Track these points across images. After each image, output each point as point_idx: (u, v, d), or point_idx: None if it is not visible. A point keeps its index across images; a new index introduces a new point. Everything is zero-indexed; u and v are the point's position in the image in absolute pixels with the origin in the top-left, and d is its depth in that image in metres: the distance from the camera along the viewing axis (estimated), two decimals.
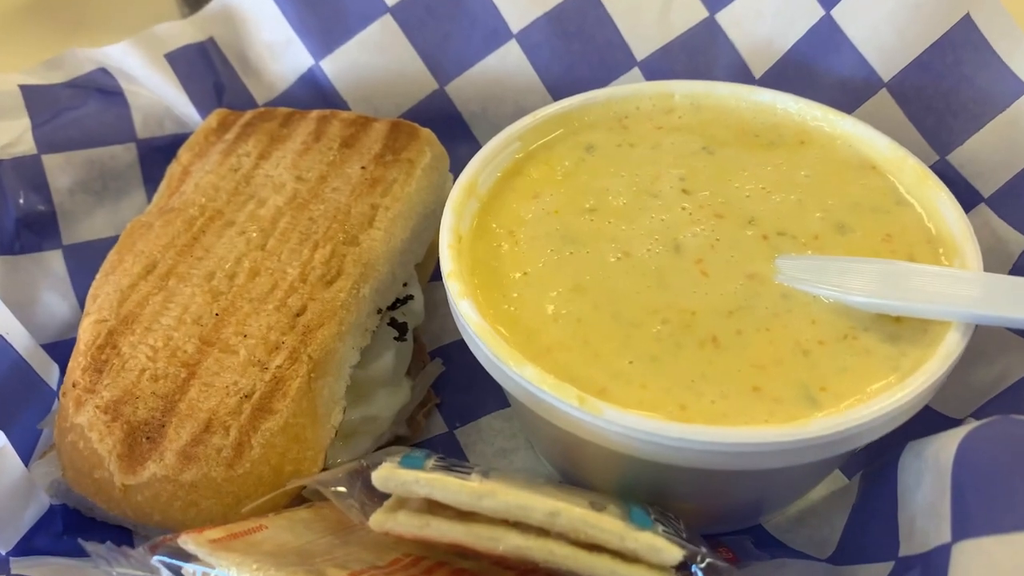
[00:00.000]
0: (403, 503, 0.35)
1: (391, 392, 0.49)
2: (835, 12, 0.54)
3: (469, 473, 0.35)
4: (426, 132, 0.54)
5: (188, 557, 0.37)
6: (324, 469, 0.43)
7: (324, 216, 0.48)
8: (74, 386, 0.44)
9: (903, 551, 0.36)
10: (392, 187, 0.50)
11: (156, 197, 0.54)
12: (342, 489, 0.37)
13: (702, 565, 0.33)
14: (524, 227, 0.46)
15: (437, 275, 0.58)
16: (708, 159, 0.48)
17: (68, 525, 0.46)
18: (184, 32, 0.61)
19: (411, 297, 0.51)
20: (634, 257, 0.43)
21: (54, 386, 0.50)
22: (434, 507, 0.34)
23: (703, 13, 0.58)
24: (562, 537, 0.33)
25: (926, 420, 0.41)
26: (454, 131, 0.60)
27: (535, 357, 0.39)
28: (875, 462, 0.44)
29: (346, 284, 0.45)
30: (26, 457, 0.46)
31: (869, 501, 0.42)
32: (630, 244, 0.44)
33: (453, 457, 0.40)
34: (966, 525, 0.32)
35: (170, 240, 0.48)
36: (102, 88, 0.59)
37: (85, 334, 0.45)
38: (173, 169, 0.55)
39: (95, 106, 0.58)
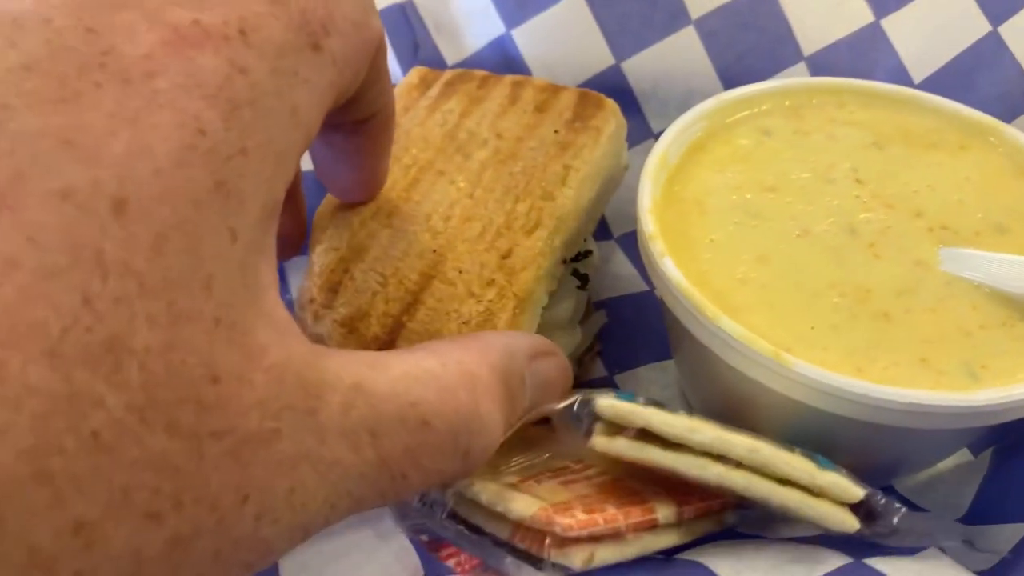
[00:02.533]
0: (617, 430, 0.40)
1: (567, 335, 0.55)
2: (1002, 29, 0.58)
3: (676, 411, 0.40)
4: (611, 103, 0.58)
5: None
6: None
7: (523, 172, 0.53)
8: (311, 302, 0.50)
9: None
10: (582, 151, 0.54)
11: None
12: (570, 418, 0.42)
13: (881, 502, 0.39)
14: (710, 198, 0.51)
15: (599, 235, 0.64)
16: (878, 154, 0.53)
17: None
18: None
19: (591, 252, 0.57)
20: (813, 235, 0.49)
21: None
22: (643, 436, 0.40)
23: (869, 17, 0.63)
24: (755, 471, 0.39)
25: None
26: (624, 105, 0.65)
27: (727, 314, 0.44)
28: (1007, 439, 0.49)
29: (543, 234, 0.50)
30: None
31: (1003, 471, 0.47)
32: (809, 223, 0.49)
33: None
34: None
35: (391, 184, 0.54)
36: None
37: (318, 261, 0.52)
38: None
39: None
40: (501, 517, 0.37)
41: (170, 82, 0.26)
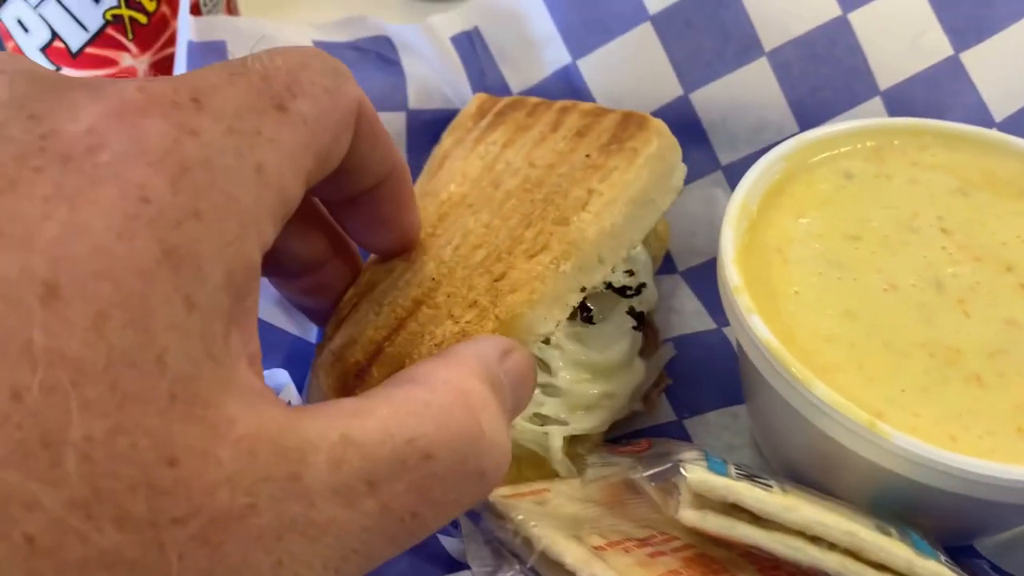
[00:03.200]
0: (705, 501, 0.39)
1: (627, 372, 0.54)
2: None
3: (770, 487, 0.39)
4: (656, 122, 0.55)
5: (485, 505, 0.43)
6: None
7: (545, 199, 0.51)
8: (327, 339, 0.50)
9: None
10: (611, 174, 0.52)
11: (420, 177, 0.59)
12: (659, 484, 0.41)
13: None
14: (792, 246, 0.50)
15: (663, 269, 0.63)
16: (963, 200, 0.52)
17: None
18: (454, 21, 0.66)
19: (644, 285, 0.55)
20: (900, 290, 0.47)
21: (312, 338, 0.56)
22: (732, 509, 0.39)
23: (948, 51, 0.61)
24: (851, 554, 0.38)
25: None
26: (692, 137, 0.64)
27: (816, 375, 0.43)
28: None
29: (546, 258, 0.48)
30: None
31: None
32: (895, 276, 0.48)
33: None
34: None
35: (423, 221, 0.53)
36: (382, 55, 0.64)
37: (344, 297, 0.51)
38: (436, 152, 0.60)
39: (373, 71, 0.63)
40: None
41: (113, 153, 0.26)
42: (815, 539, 0.37)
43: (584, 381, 0.52)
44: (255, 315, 0.29)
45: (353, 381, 0.47)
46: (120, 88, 0.28)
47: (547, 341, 0.50)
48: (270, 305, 0.55)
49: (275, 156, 0.30)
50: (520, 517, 0.40)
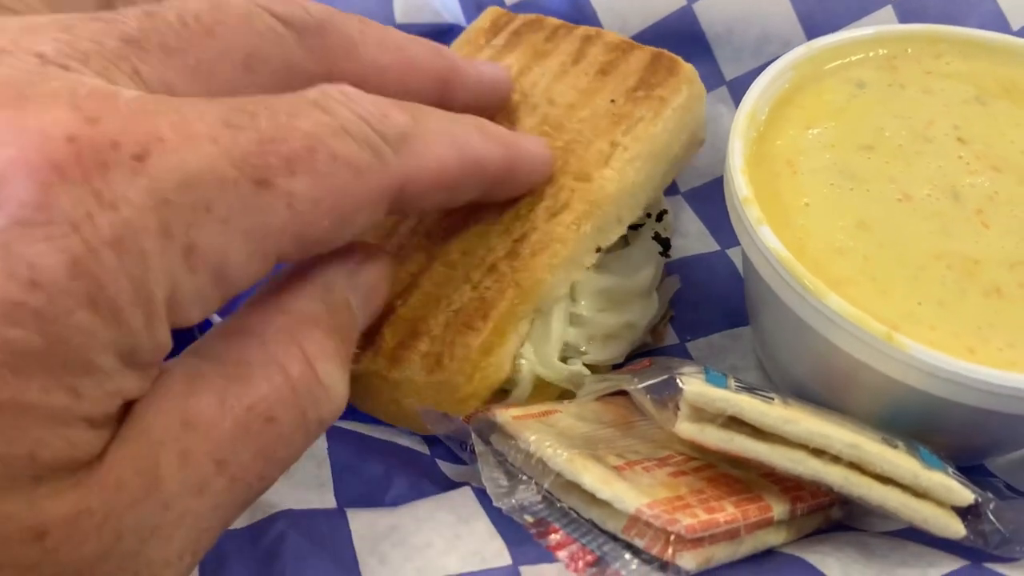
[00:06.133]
0: (705, 415, 0.37)
1: (646, 304, 0.52)
2: None
3: (772, 399, 0.38)
4: (688, 68, 0.51)
5: (494, 428, 0.41)
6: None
7: (565, 148, 0.48)
8: None
9: None
10: (636, 125, 0.48)
11: None
12: (655, 396, 0.40)
13: (991, 508, 0.36)
14: (802, 157, 0.47)
15: (665, 191, 0.61)
16: (980, 109, 0.49)
17: None
18: None
19: (665, 212, 0.53)
20: (915, 200, 0.45)
21: None
22: (732, 423, 0.37)
23: None
24: (855, 467, 0.36)
25: None
26: (696, 50, 0.61)
27: (828, 287, 0.41)
28: None
29: (567, 218, 0.45)
30: None
31: None
32: (909, 186, 0.46)
33: None
34: None
35: None
36: None
37: None
38: None
39: None
40: (603, 504, 0.35)
41: (7, 218, 0.22)
42: (818, 452, 0.36)
43: (606, 311, 0.50)
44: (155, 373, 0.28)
45: (363, 342, 0.45)
46: (50, 125, 0.24)
47: None
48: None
49: (221, 238, 0.26)
50: (534, 437, 0.38)
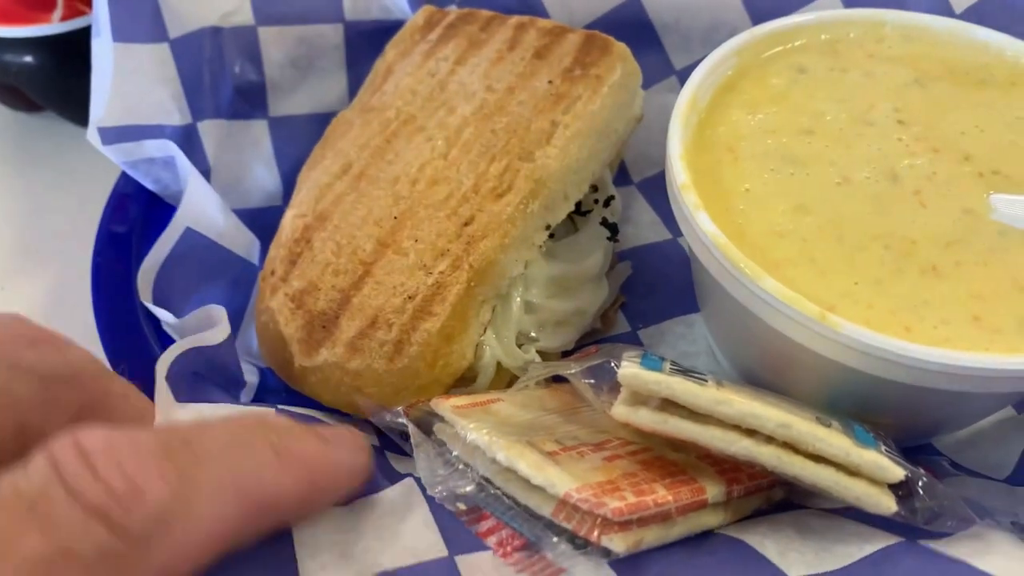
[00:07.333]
0: (640, 399, 0.38)
1: (595, 288, 0.52)
2: None
3: (705, 380, 0.38)
4: (620, 47, 0.53)
5: (436, 418, 0.41)
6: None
7: (505, 130, 0.49)
8: (272, 274, 0.48)
9: None
10: (575, 104, 0.50)
11: (360, 92, 0.56)
12: (590, 381, 0.40)
13: (922, 483, 0.36)
14: (743, 143, 0.48)
15: (618, 181, 0.61)
16: (921, 92, 0.50)
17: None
18: None
19: (613, 198, 0.54)
20: (854, 182, 0.45)
21: (255, 260, 0.54)
22: (668, 405, 0.37)
23: None
24: (788, 446, 0.37)
25: None
26: (644, 40, 0.61)
27: (766, 271, 0.41)
28: None
29: (515, 199, 0.46)
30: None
31: None
32: (849, 169, 0.46)
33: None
34: None
35: (366, 141, 0.51)
36: None
37: (286, 227, 0.49)
38: (378, 66, 0.57)
39: None
40: (540, 490, 0.35)
41: None
42: (752, 433, 0.36)
43: (556, 297, 0.50)
44: None
45: (320, 332, 0.45)
46: None
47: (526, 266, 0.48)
48: (219, 217, 0.52)
49: None
50: (472, 426, 0.39)
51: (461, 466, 0.38)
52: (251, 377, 0.49)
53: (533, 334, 0.49)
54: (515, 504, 0.36)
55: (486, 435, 0.38)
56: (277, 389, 0.50)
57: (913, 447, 0.48)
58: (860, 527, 0.37)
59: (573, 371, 0.41)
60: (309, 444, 0.33)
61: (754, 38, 0.51)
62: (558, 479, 0.34)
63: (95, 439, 0.26)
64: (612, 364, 0.38)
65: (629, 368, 0.37)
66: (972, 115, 0.48)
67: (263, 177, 0.59)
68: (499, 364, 0.47)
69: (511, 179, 0.47)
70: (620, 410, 0.37)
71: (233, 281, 0.53)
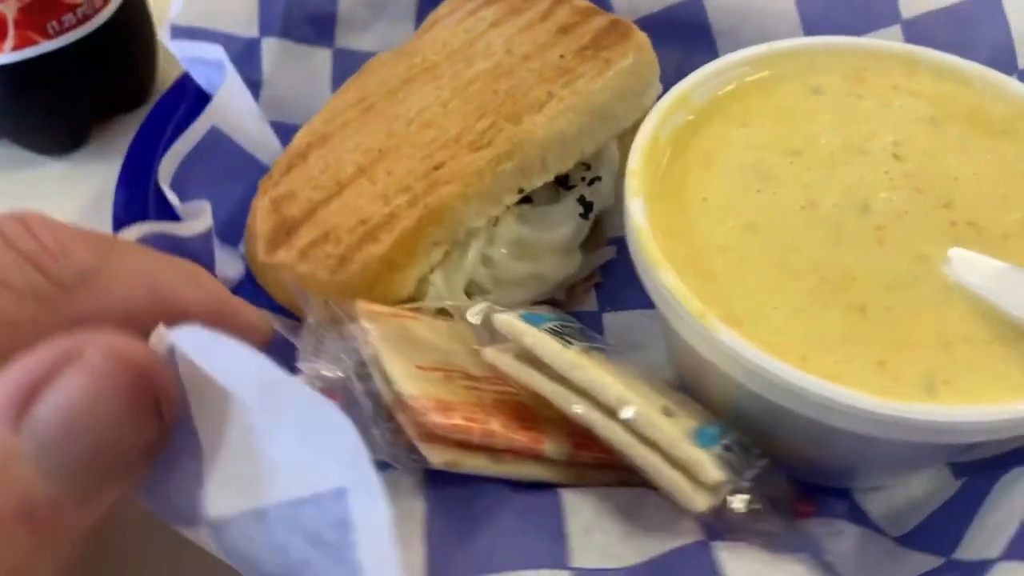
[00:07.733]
0: (511, 347, 0.40)
1: (562, 259, 0.53)
2: None
3: (571, 344, 0.39)
4: (640, 36, 0.53)
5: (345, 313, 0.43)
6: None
7: (508, 92, 0.51)
8: (269, 178, 0.52)
9: (956, 554, 0.37)
10: (577, 80, 0.51)
11: (413, 37, 0.60)
12: (476, 321, 0.42)
13: (737, 499, 0.36)
14: (722, 153, 0.47)
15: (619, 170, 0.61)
16: (931, 130, 0.48)
17: None
18: None
19: (599, 179, 0.54)
20: (819, 208, 0.44)
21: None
22: (535, 361, 0.39)
23: None
24: (630, 428, 0.37)
25: None
26: (699, 43, 0.61)
27: (690, 275, 0.41)
28: (989, 471, 0.44)
29: (489, 155, 0.48)
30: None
31: (958, 501, 0.43)
32: (820, 194, 0.45)
33: (594, 332, 0.44)
34: (1020, 548, 0.33)
35: (386, 79, 0.54)
36: None
37: (294, 140, 0.53)
38: (431, 17, 0.60)
39: None
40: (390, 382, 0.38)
41: None
42: (600, 406, 0.37)
43: (517, 259, 0.52)
44: None
45: (283, 237, 0.49)
46: None
47: (495, 222, 0.50)
48: (250, 123, 0.57)
49: None
50: (365, 324, 0.41)
51: (342, 356, 0.41)
52: (232, 273, 0.53)
53: (488, 287, 0.51)
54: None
55: (371, 331, 0.40)
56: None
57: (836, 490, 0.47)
58: (679, 519, 0.37)
59: (464, 313, 0.43)
60: (219, 284, 0.36)
61: (771, 50, 0.51)
62: (404, 381, 0.36)
63: (36, 215, 0.30)
64: (493, 312, 0.40)
65: (506, 315, 0.39)
66: (974, 162, 0.46)
67: (313, 100, 0.63)
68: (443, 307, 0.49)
69: (492, 136, 0.49)
70: (489, 351, 0.39)
71: (252, 185, 0.58)
